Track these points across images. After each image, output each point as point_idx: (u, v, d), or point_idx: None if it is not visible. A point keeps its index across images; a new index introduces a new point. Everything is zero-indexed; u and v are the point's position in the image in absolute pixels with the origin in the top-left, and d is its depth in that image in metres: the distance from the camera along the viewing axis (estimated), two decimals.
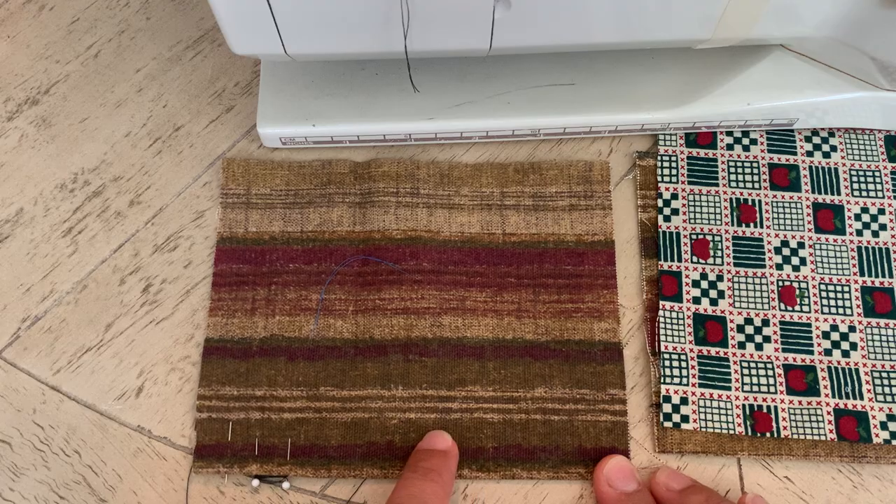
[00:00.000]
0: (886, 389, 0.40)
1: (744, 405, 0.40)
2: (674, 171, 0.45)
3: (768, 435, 0.40)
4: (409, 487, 0.35)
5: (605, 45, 0.39)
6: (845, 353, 0.41)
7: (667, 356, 0.41)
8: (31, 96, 0.47)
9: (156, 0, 0.50)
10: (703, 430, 0.40)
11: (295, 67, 0.45)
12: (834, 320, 0.42)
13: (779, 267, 0.43)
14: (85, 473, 0.39)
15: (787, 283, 0.42)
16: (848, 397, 0.40)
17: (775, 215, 0.43)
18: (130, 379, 0.41)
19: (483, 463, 0.39)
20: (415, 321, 0.41)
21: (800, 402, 0.40)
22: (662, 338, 0.41)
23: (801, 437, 0.39)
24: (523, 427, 0.40)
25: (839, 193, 0.44)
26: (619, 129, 0.45)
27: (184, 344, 0.42)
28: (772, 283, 0.42)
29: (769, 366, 0.41)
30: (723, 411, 0.40)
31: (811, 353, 0.41)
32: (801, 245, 0.43)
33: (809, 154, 0.45)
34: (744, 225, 0.43)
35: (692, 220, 0.43)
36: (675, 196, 0.44)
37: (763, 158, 0.45)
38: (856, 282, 0.42)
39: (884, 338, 0.41)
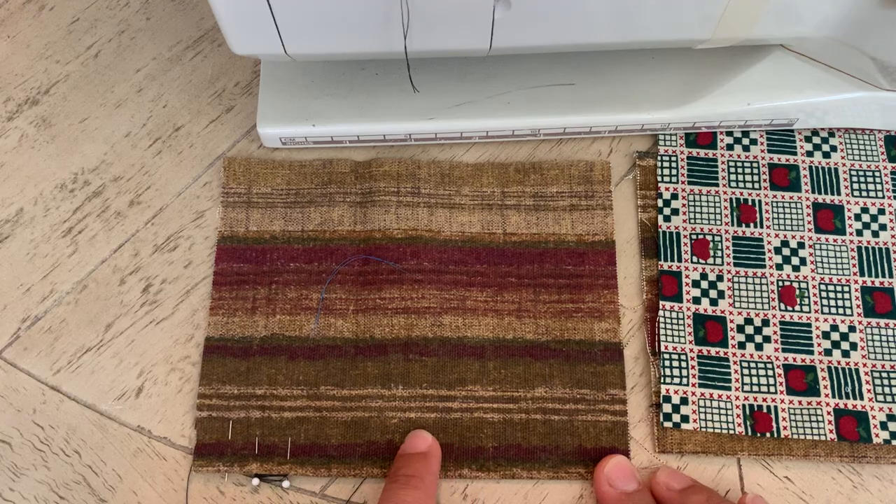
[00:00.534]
0: (886, 389, 0.40)
1: (744, 405, 0.40)
2: (674, 171, 0.45)
3: (768, 435, 0.40)
4: (392, 499, 0.35)
5: (605, 45, 0.39)
6: (845, 353, 0.41)
7: (667, 356, 0.41)
8: (31, 96, 0.47)
9: (156, 0, 0.50)
10: (703, 430, 0.40)
11: (295, 67, 0.45)
12: (834, 320, 0.42)
13: (779, 267, 0.43)
14: (85, 473, 0.39)
15: (787, 283, 0.42)
16: (848, 397, 0.40)
17: (775, 215, 0.43)
18: (130, 379, 0.41)
19: (483, 462, 0.39)
20: (415, 321, 0.41)
21: (800, 402, 0.40)
22: (662, 338, 0.41)
23: (801, 437, 0.39)
24: (523, 427, 0.40)
25: (839, 193, 0.44)
26: (619, 129, 0.45)
27: (184, 344, 0.42)
28: (772, 283, 0.42)
29: (769, 366, 0.41)
30: (723, 411, 0.40)
31: (811, 353, 0.41)
32: (801, 245, 0.43)
33: (809, 154, 0.45)
34: (744, 225, 0.43)
35: (692, 220, 0.43)
36: (675, 196, 0.44)
37: (763, 158, 0.45)
38: (856, 282, 0.42)
39: (884, 338, 0.41)
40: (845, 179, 0.44)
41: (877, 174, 0.44)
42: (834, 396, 0.40)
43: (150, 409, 0.41)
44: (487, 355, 0.41)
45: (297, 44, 0.37)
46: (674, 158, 0.45)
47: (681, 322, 0.42)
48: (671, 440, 0.40)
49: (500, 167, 0.45)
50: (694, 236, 0.43)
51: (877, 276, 0.42)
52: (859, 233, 0.43)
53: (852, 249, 0.43)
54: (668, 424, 0.40)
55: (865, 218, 0.43)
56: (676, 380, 0.41)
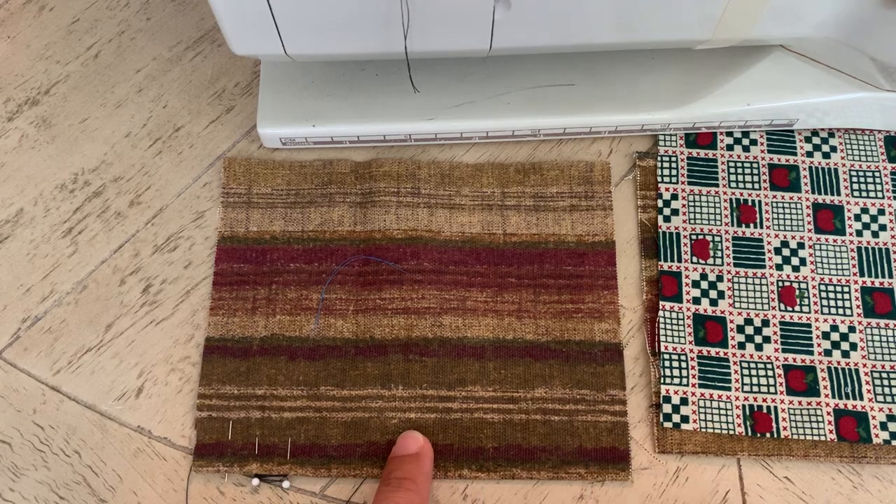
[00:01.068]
0: (886, 390, 0.40)
1: (744, 405, 0.40)
2: (674, 172, 0.45)
3: (768, 435, 0.40)
4: (385, 502, 0.35)
5: (605, 46, 0.39)
6: (845, 354, 0.41)
7: (667, 356, 0.41)
8: (32, 97, 0.47)
9: (156, 0, 0.50)
10: (703, 430, 0.40)
11: (295, 68, 0.45)
12: (834, 321, 0.42)
13: (779, 267, 0.43)
14: (85, 474, 0.39)
15: (787, 284, 0.42)
16: (848, 398, 0.40)
17: (775, 216, 0.43)
18: (130, 379, 0.41)
19: (483, 463, 0.39)
20: (415, 321, 0.41)
21: (800, 403, 0.40)
22: (662, 338, 0.41)
23: (801, 437, 0.39)
24: (523, 427, 0.40)
25: (839, 194, 0.44)
26: (619, 129, 0.45)
27: (184, 344, 0.42)
28: (772, 283, 0.42)
29: (769, 366, 0.41)
30: (723, 412, 0.40)
31: (811, 353, 0.41)
32: (801, 245, 0.43)
33: (809, 154, 0.45)
34: (744, 225, 0.43)
35: (692, 221, 0.43)
36: (675, 196, 0.44)
37: (763, 159, 0.45)
38: (856, 282, 0.42)
39: (884, 338, 0.41)
40: (845, 180, 0.44)
41: (877, 174, 0.44)
42: (834, 397, 0.40)
43: (150, 410, 0.41)
44: (487, 356, 0.41)
45: (297, 44, 0.37)
46: (674, 159, 0.45)
47: (681, 322, 0.42)
48: (671, 440, 0.40)
49: (501, 168, 0.45)
50: (694, 236, 0.43)
51: (877, 276, 0.42)
52: (859, 233, 0.43)
53: (852, 250, 0.43)
54: (668, 425, 0.40)
55: (865, 218, 0.43)
56: (676, 380, 0.41)
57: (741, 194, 0.44)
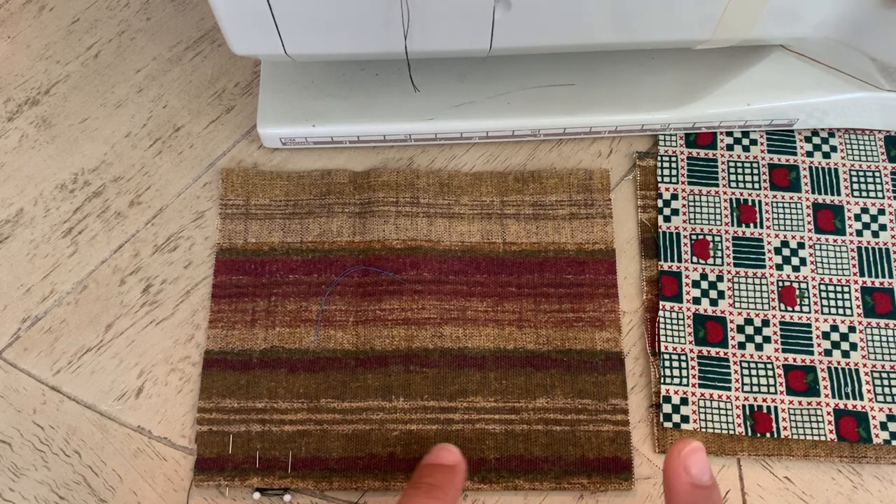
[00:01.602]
0: (886, 390, 0.40)
1: (744, 405, 0.40)
2: (674, 172, 0.45)
3: (768, 435, 0.40)
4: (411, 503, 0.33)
5: (605, 46, 0.39)
6: (845, 354, 0.41)
7: (667, 356, 0.41)
8: (32, 97, 0.47)
9: (156, 0, 0.50)
10: (703, 430, 0.40)
11: (295, 68, 0.45)
12: (834, 320, 0.42)
13: (779, 267, 0.43)
14: (85, 474, 0.39)
15: (787, 284, 0.42)
16: (848, 397, 0.40)
17: (775, 216, 0.43)
18: (130, 379, 0.41)
19: (485, 474, 0.39)
20: (416, 332, 0.41)
21: (800, 403, 0.40)
22: (662, 338, 0.41)
23: (801, 437, 0.39)
24: (525, 438, 0.40)
25: (839, 194, 0.44)
26: (619, 129, 0.45)
27: (184, 344, 0.42)
28: (772, 283, 0.42)
29: (769, 366, 0.41)
30: (723, 412, 0.40)
31: (811, 353, 0.41)
32: (801, 245, 0.43)
33: (809, 154, 0.45)
34: (744, 225, 0.43)
35: (692, 221, 0.43)
36: (675, 196, 0.44)
37: (763, 159, 0.45)
38: (856, 282, 0.42)
39: (884, 338, 0.41)
40: (845, 180, 0.44)
41: (877, 174, 0.44)
42: (834, 397, 0.40)
43: (150, 410, 0.41)
44: (488, 366, 0.41)
45: (297, 44, 0.37)
46: (674, 159, 0.45)
47: (681, 322, 0.42)
48: (671, 440, 0.40)
49: (499, 176, 0.44)
50: (694, 236, 0.43)
51: (877, 276, 0.42)
52: (859, 233, 0.43)
53: (852, 250, 0.43)
54: (668, 425, 0.40)
55: (865, 218, 0.43)
56: (676, 380, 0.41)
57: (741, 194, 0.44)
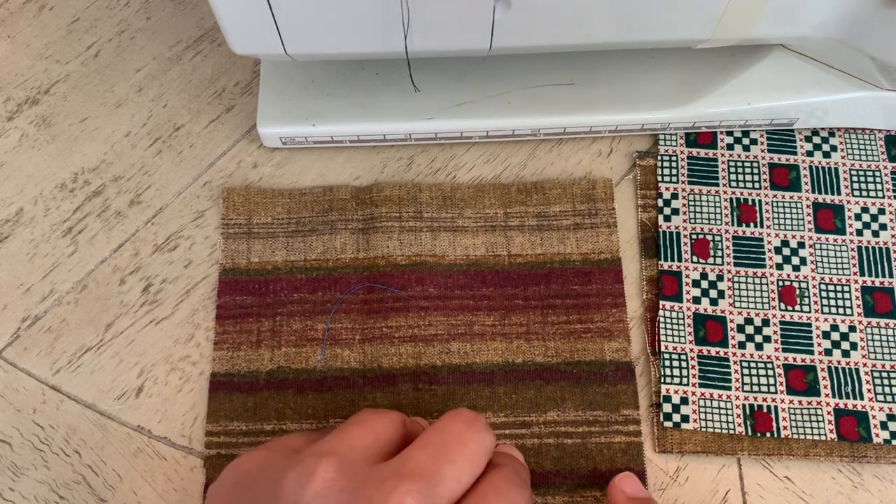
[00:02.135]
0: (886, 389, 0.40)
1: (744, 405, 0.40)
2: (674, 171, 0.45)
3: (768, 435, 0.40)
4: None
5: (605, 45, 0.39)
6: (845, 353, 0.41)
7: (667, 356, 0.41)
8: (32, 96, 0.47)
9: (156, 0, 0.50)
10: (703, 430, 0.40)
11: (295, 67, 0.45)
12: (834, 320, 0.42)
13: (779, 267, 0.43)
14: (85, 473, 0.39)
15: (787, 283, 0.42)
16: (848, 397, 0.40)
17: (775, 215, 0.44)
18: (130, 379, 0.41)
19: None
20: (423, 348, 0.41)
21: (800, 402, 0.40)
22: (662, 338, 0.41)
23: (801, 437, 0.39)
24: (536, 452, 0.39)
25: (839, 193, 0.44)
26: (619, 129, 0.45)
27: (184, 344, 0.42)
28: (772, 282, 0.42)
29: (769, 366, 0.41)
30: (723, 411, 0.40)
31: (811, 353, 0.41)
32: (801, 245, 0.43)
33: (809, 154, 0.45)
34: (744, 225, 0.43)
35: (692, 220, 0.43)
36: (675, 196, 0.44)
37: (763, 158, 0.45)
38: (856, 282, 0.42)
39: (884, 338, 0.41)
40: (845, 179, 0.44)
41: (877, 174, 0.44)
42: (834, 396, 0.40)
43: (150, 409, 0.41)
44: (497, 381, 0.40)
45: (297, 44, 0.37)
46: (674, 158, 0.45)
47: (681, 322, 0.42)
48: (671, 440, 0.40)
49: (502, 188, 0.44)
50: (694, 236, 0.43)
51: (877, 275, 0.42)
52: (859, 233, 0.43)
53: (852, 249, 0.43)
54: (668, 424, 0.40)
55: (865, 218, 0.43)
56: (676, 380, 0.41)
57: (741, 194, 0.44)
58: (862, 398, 0.40)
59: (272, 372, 0.41)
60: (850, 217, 0.43)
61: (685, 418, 0.40)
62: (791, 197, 0.44)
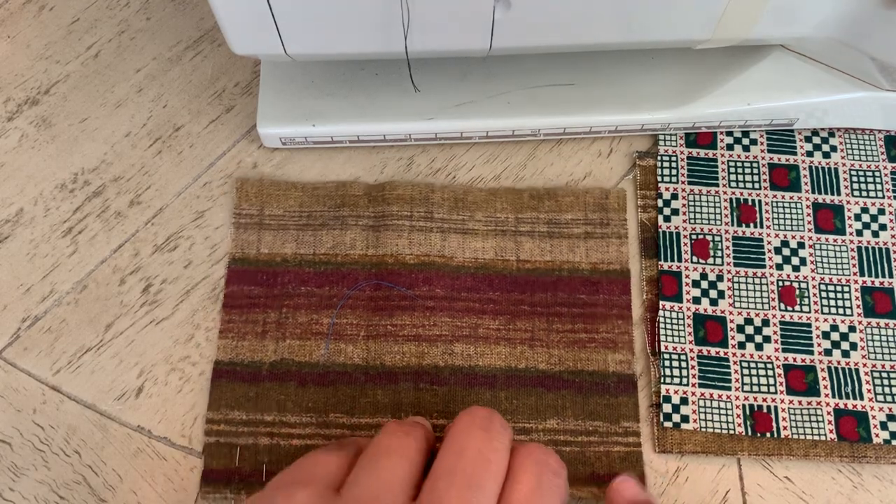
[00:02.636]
0: (886, 389, 0.40)
1: (744, 405, 0.40)
2: (674, 171, 0.45)
3: (768, 435, 0.40)
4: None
5: (605, 46, 0.39)
6: (845, 353, 0.41)
7: (667, 356, 0.41)
8: (31, 96, 0.47)
9: (156, 0, 0.50)
10: (703, 430, 0.40)
11: (295, 67, 0.45)
12: (834, 320, 0.42)
13: (779, 267, 0.43)
14: (85, 473, 0.39)
15: (787, 283, 0.42)
16: (848, 397, 0.40)
17: (775, 215, 0.44)
18: (130, 379, 0.41)
19: None
20: (426, 348, 0.41)
21: (800, 402, 0.40)
22: (662, 338, 0.41)
23: (801, 437, 0.39)
24: None
25: (839, 193, 0.44)
26: (619, 129, 0.45)
27: (184, 344, 0.42)
28: (772, 283, 0.42)
29: (769, 366, 0.41)
30: (723, 411, 0.40)
31: (811, 353, 0.41)
32: (801, 245, 0.43)
33: (809, 154, 0.45)
34: (744, 225, 0.43)
35: (692, 220, 0.44)
36: (675, 196, 0.44)
37: (763, 158, 0.45)
38: (856, 282, 0.42)
39: (884, 338, 0.41)
40: (845, 179, 0.44)
41: (877, 174, 0.44)
42: (834, 396, 0.40)
43: (150, 409, 0.41)
44: (499, 385, 0.40)
45: (297, 44, 0.37)
46: (674, 158, 0.45)
47: (681, 322, 0.42)
48: (671, 440, 0.40)
49: (514, 193, 0.44)
50: (694, 236, 0.43)
51: (877, 276, 0.42)
52: (859, 233, 0.43)
53: (852, 249, 0.43)
54: (668, 424, 0.40)
55: (865, 218, 0.43)
56: (676, 380, 0.41)
57: (741, 194, 0.44)
58: (862, 398, 0.40)
59: (275, 363, 0.41)
60: (849, 217, 0.43)
61: (685, 418, 0.40)
62: (791, 197, 0.44)
